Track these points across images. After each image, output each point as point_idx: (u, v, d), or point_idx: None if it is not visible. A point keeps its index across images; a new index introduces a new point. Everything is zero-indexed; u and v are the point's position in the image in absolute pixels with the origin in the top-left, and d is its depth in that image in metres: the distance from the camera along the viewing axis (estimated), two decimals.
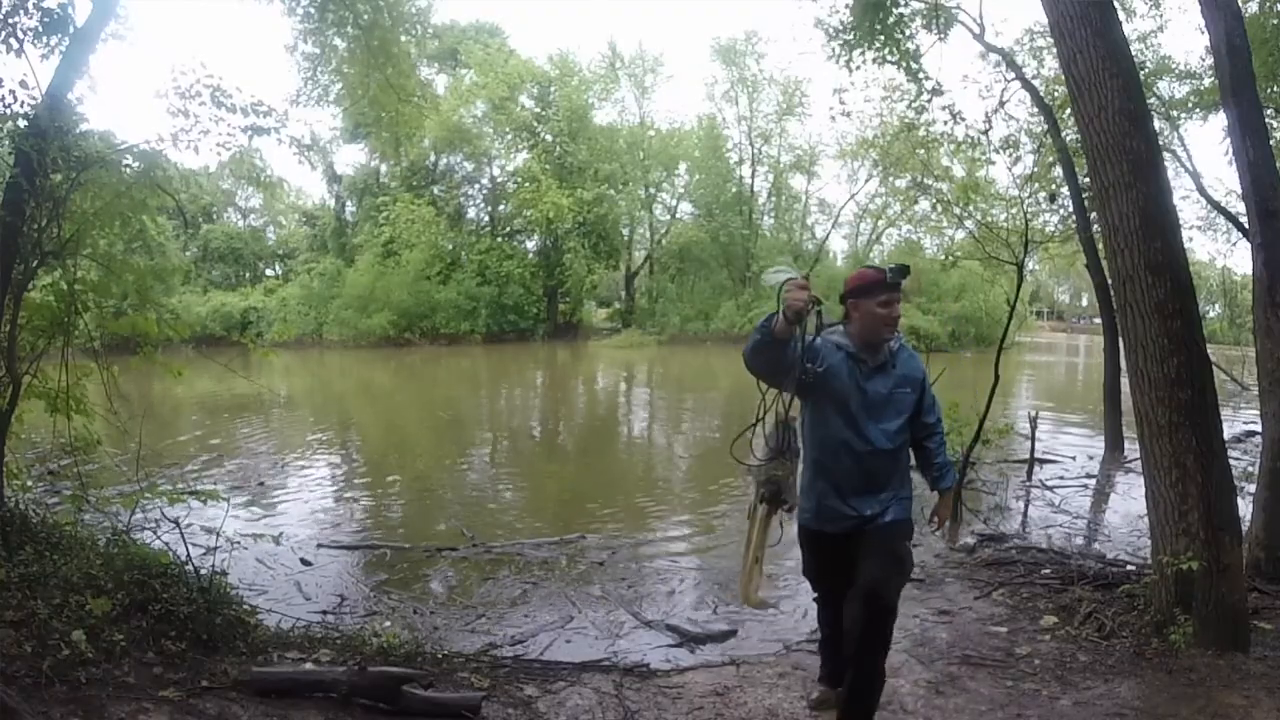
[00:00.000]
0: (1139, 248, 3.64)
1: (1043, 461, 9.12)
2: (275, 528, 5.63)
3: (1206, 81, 9.65)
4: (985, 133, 9.31)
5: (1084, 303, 57.25)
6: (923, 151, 9.95)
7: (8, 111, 3.58)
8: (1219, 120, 9.02)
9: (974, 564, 5.34)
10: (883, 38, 8.37)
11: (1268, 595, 4.27)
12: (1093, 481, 8.58)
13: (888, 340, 2.74)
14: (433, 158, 36.62)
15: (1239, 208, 8.06)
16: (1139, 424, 3.81)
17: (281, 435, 12.29)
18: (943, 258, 9.41)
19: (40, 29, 3.67)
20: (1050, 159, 9.54)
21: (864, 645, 2.64)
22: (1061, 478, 8.64)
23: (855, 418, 2.69)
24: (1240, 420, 11.23)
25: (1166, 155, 8.51)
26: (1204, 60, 9.62)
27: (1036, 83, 9.76)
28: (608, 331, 37.40)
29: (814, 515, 2.80)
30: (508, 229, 37.36)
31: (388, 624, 4.29)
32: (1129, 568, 4.92)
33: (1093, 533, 6.57)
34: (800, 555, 3.04)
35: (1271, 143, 4.85)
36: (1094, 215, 7.09)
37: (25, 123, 3.60)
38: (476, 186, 38.26)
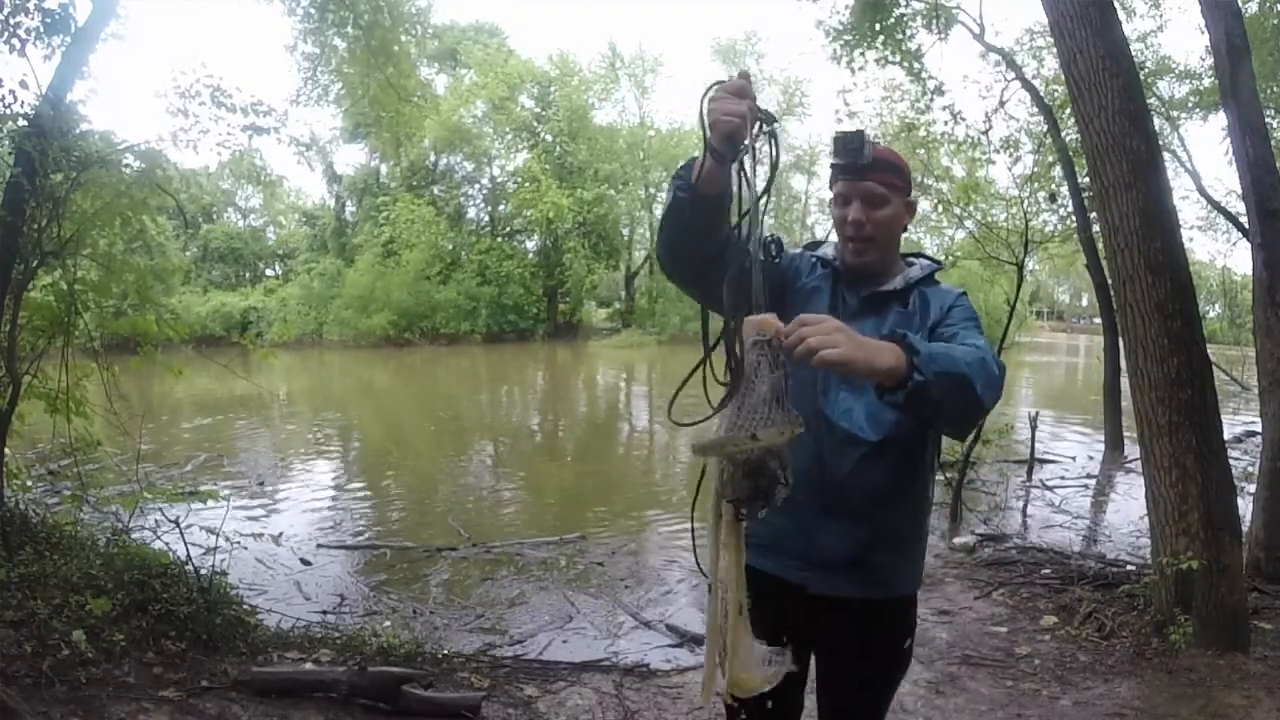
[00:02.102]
0: (1139, 248, 3.64)
1: (1043, 461, 9.12)
2: (275, 528, 5.63)
3: (1206, 81, 9.66)
4: (985, 133, 9.33)
5: (1084, 303, 57.26)
6: (923, 151, 9.94)
7: (8, 111, 3.58)
8: (1219, 120, 9.04)
9: (974, 564, 5.35)
10: (883, 38, 8.39)
11: (1268, 595, 4.27)
12: (1093, 481, 8.58)
13: (865, 258, 1.57)
14: (433, 158, 36.62)
15: (1239, 208, 8.07)
16: (1139, 424, 3.82)
17: (281, 435, 12.30)
18: (943, 257, 9.39)
19: (41, 29, 3.67)
20: (1050, 159, 9.55)
21: None
22: (1062, 478, 8.64)
23: (821, 376, 1.49)
24: (1240, 420, 11.23)
25: (1166, 155, 8.52)
26: (1204, 60, 9.64)
27: (1036, 83, 9.77)
28: (608, 331, 37.40)
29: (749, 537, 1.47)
30: (508, 229, 37.35)
31: (388, 624, 4.29)
32: (1129, 568, 4.93)
33: (1093, 533, 6.57)
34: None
35: (1272, 143, 4.85)
36: (1094, 215, 7.09)
37: (25, 122, 3.60)
38: (476, 186, 38.28)
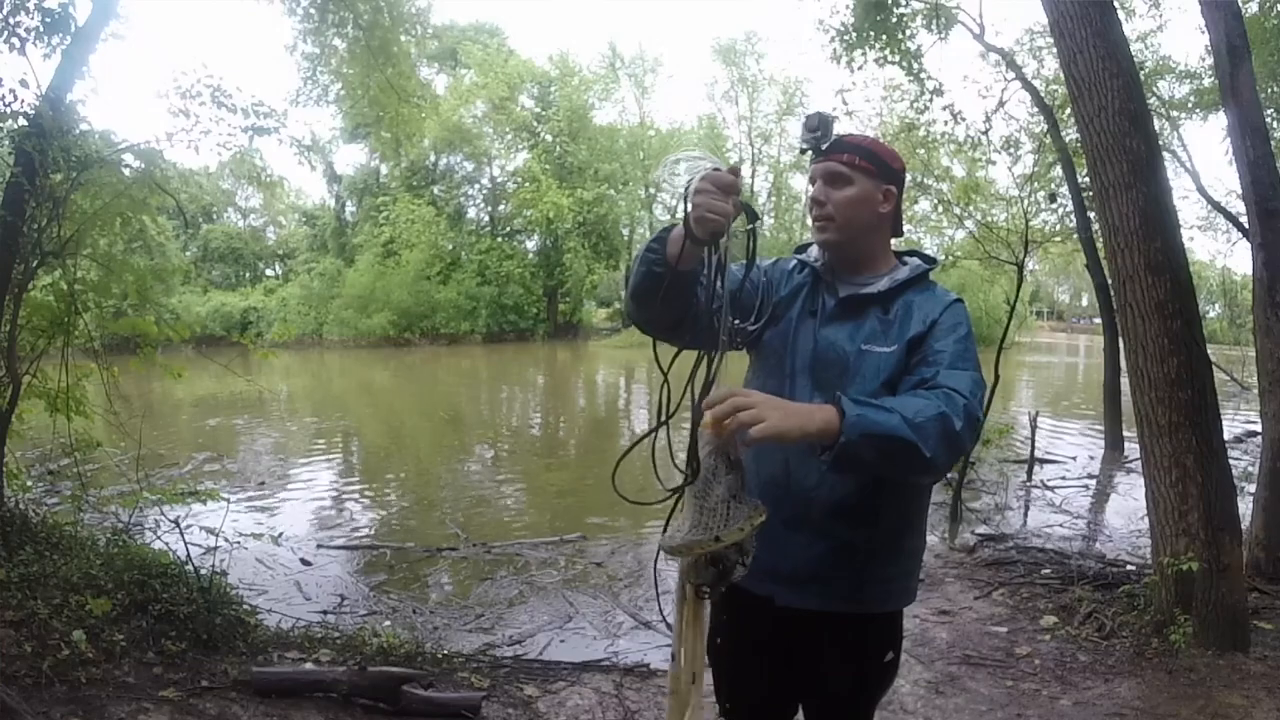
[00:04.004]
0: (1139, 248, 3.64)
1: (1043, 461, 9.13)
2: (275, 528, 5.63)
3: (1206, 81, 9.65)
4: (985, 133, 9.32)
5: (1084, 303, 57.22)
6: (923, 151, 9.94)
7: (8, 111, 3.58)
8: (1219, 120, 9.04)
9: (974, 564, 5.35)
10: (884, 38, 8.39)
11: (1268, 595, 4.27)
12: (1093, 481, 8.58)
13: (825, 236, 1.53)
14: (433, 158, 36.64)
15: (1239, 208, 8.06)
16: (1139, 424, 3.81)
17: (281, 435, 12.30)
18: (943, 258, 9.39)
19: (41, 29, 3.67)
20: (1050, 159, 9.54)
21: None
22: (1062, 478, 8.64)
23: (793, 383, 1.51)
24: (1240, 420, 11.23)
25: (1166, 155, 8.52)
26: (1204, 60, 9.63)
27: (1036, 83, 9.76)
28: (608, 331, 37.41)
29: None
30: (508, 229, 37.37)
31: (388, 624, 4.29)
32: (1129, 568, 4.93)
33: (1093, 533, 6.57)
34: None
35: (1272, 143, 4.85)
36: (1094, 215, 7.09)
37: (25, 122, 3.60)
38: (476, 186, 38.33)
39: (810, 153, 1.51)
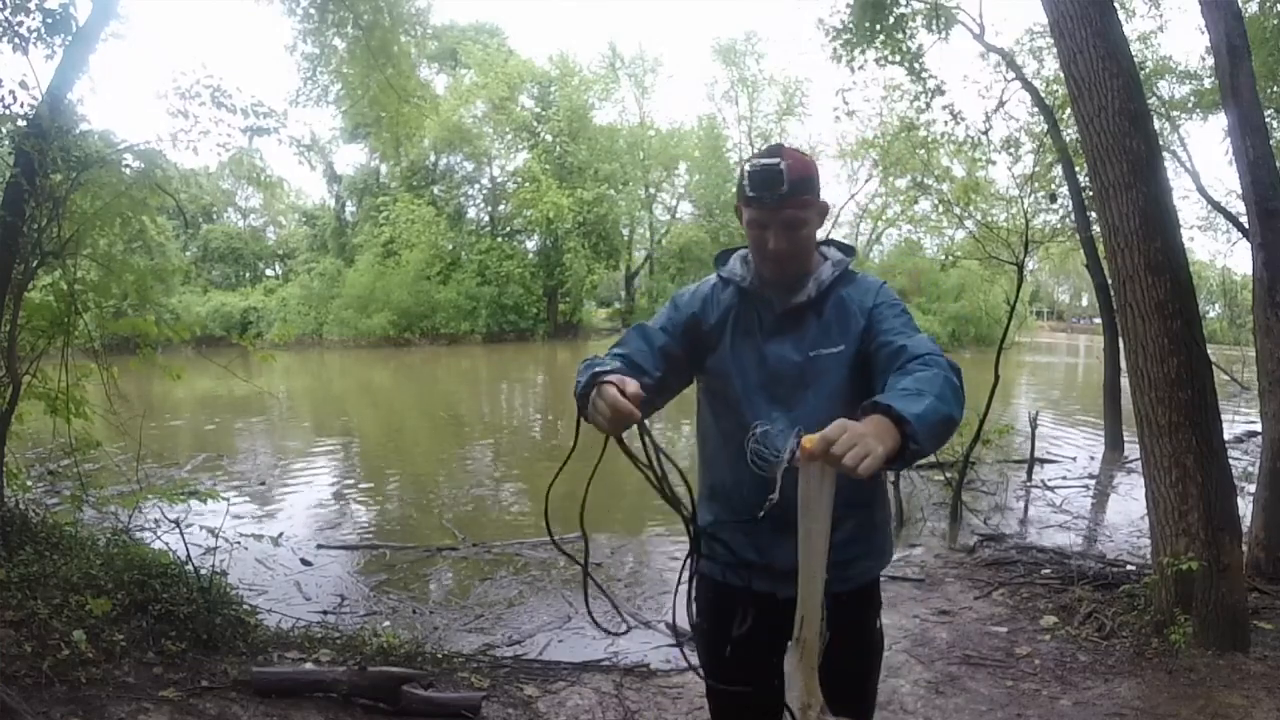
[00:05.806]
0: (1139, 248, 3.64)
1: (1043, 461, 9.12)
2: (275, 528, 5.64)
3: (1206, 82, 9.65)
4: (985, 133, 9.33)
5: (1084, 303, 57.17)
6: (923, 151, 9.94)
7: (8, 112, 3.59)
8: (1219, 120, 9.03)
9: (974, 564, 5.34)
10: (883, 38, 8.40)
11: (1268, 595, 4.27)
12: (1093, 481, 8.58)
13: (787, 272, 1.54)
14: (433, 158, 36.62)
15: (1239, 208, 8.06)
16: (1139, 424, 3.81)
17: (281, 435, 12.30)
18: (943, 258, 9.39)
19: (43, 30, 3.67)
20: (1050, 159, 9.54)
21: None
22: (1063, 478, 8.64)
23: (748, 403, 1.54)
24: (1240, 420, 11.22)
25: (1166, 155, 8.53)
26: (1204, 60, 9.62)
27: (1036, 83, 9.77)
28: (608, 331, 37.38)
29: (713, 557, 1.59)
30: (508, 229, 37.34)
31: (387, 624, 4.29)
32: (1129, 568, 4.93)
33: (1093, 533, 6.57)
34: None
35: (1272, 143, 4.85)
36: (1094, 215, 7.09)
37: (25, 123, 3.60)
38: (476, 186, 38.29)
39: (756, 200, 1.49)
